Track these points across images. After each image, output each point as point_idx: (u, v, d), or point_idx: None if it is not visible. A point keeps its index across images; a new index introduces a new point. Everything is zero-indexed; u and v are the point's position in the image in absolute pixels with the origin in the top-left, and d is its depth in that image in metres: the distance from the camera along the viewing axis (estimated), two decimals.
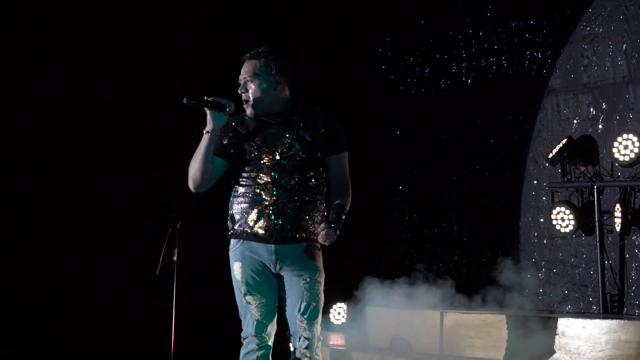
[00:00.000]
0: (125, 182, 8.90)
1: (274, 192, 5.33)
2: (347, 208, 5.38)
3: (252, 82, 5.47)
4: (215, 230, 5.62)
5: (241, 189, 5.43)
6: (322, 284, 5.38)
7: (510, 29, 8.81)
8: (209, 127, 5.40)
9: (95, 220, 8.78)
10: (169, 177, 8.56)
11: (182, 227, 7.43)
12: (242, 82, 5.50)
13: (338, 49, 9.80)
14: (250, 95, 5.46)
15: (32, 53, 8.58)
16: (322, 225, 5.24)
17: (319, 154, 5.41)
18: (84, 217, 8.76)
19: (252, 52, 5.55)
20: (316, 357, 5.37)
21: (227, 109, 5.38)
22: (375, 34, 9.78)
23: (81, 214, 8.75)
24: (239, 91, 5.49)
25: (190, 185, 5.50)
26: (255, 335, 5.36)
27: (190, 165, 5.45)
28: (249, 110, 5.48)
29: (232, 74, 5.63)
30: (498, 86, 8.86)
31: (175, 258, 7.29)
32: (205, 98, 5.36)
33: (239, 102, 5.44)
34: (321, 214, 5.41)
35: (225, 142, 5.49)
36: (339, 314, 8.90)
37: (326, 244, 5.21)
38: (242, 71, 5.52)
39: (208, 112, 5.38)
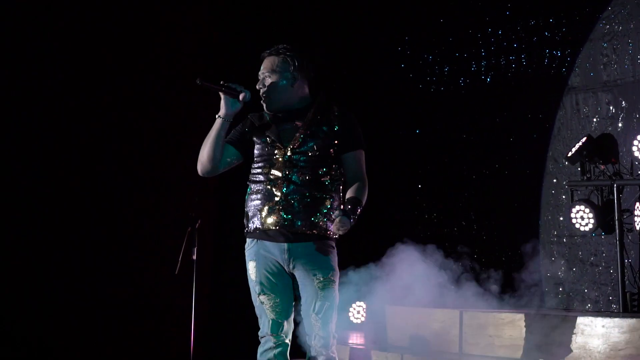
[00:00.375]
0: (145, 181, 8.92)
1: (285, 188, 5.32)
2: (363, 202, 5.34)
3: (270, 77, 5.48)
4: (235, 229, 5.63)
5: (254, 186, 5.43)
6: (337, 282, 5.36)
7: (530, 27, 8.80)
8: (221, 111, 5.40)
9: (114, 219, 8.82)
10: (189, 176, 8.57)
11: (202, 226, 7.44)
12: (260, 77, 5.52)
13: (357, 48, 9.81)
14: (268, 91, 5.48)
15: (33, 53, 8.58)
16: (336, 212, 5.22)
17: (332, 151, 5.39)
18: (103, 216, 8.79)
19: (272, 48, 5.57)
20: (332, 355, 5.37)
21: (242, 96, 5.38)
22: (395, 32, 9.78)
23: (100, 213, 8.78)
24: (257, 86, 5.50)
25: (198, 169, 5.51)
26: (271, 335, 5.37)
27: (201, 149, 5.47)
28: (265, 106, 5.49)
29: (238, 73, 5.62)
30: (517, 85, 8.85)
31: (194, 257, 7.32)
32: (221, 82, 5.38)
33: (258, 98, 5.46)
34: (334, 211, 5.38)
35: (242, 133, 5.52)
36: (358, 312, 8.90)
37: (339, 232, 5.15)
38: (261, 67, 5.53)
39: (222, 96, 5.40)
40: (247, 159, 5.53)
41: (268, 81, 5.47)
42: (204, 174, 5.53)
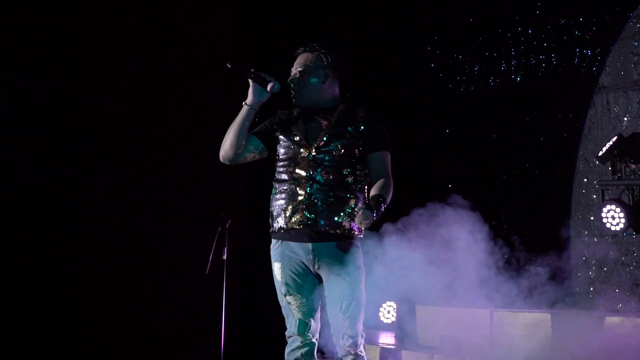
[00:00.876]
0: (175, 181, 8.96)
1: (309, 188, 5.32)
2: (387, 200, 5.30)
3: (302, 73, 5.49)
4: (265, 229, 5.64)
5: (279, 185, 5.43)
6: (363, 281, 5.35)
7: (560, 26, 8.76)
8: (248, 99, 5.41)
9: (145, 220, 8.87)
10: (220, 177, 8.61)
11: (232, 226, 7.47)
12: (293, 72, 5.54)
13: (388, 48, 9.81)
14: (299, 86, 5.48)
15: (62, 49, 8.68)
16: (360, 205, 5.22)
17: (357, 152, 5.38)
18: (134, 217, 8.85)
19: (307, 46, 5.61)
20: (360, 354, 5.38)
21: (270, 86, 5.40)
22: (425, 32, 9.77)
23: (131, 214, 8.84)
24: (288, 81, 5.52)
25: (220, 154, 5.51)
26: (298, 334, 5.39)
27: (225, 135, 5.47)
28: (295, 100, 5.51)
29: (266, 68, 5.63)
30: (547, 84, 8.82)
31: (225, 257, 7.35)
32: (252, 70, 5.40)
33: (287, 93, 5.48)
34: (355, 210, 5.35)
35: (269, 127, 5.53)
36: (388, 312, 8.91)
37: (362, 226, 5.10)
38: (295, 63, 5.55)
39: (251, 84, 5.42)
40: (271, 154, 5.54)
41: (300, 76, 5.49)
42: (225, 160, 5.54)
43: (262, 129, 5.52)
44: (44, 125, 8.64)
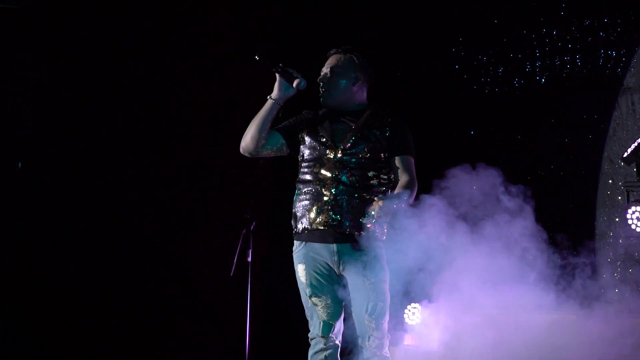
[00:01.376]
0: (199, 182, 8.99)
1: (334, 189, 5.38)
2: (409, 198, 5.31)
3: (332, 73, 5.55)
4: (290, 231, 5.68)
5: (303, 186, 5.49)
6: (387, 282, 5.39)
7: (585, 27, 8.74)
8: (273, 93, 5.47)
9: (168, 221, 8.90)
10: (244, 178, 8.62)
11: (257, 228, 7.48)
12: (323, 71, 5.56)
13: (411, 49, 9.80)
14: (328, 86, 5.53)
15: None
16: (380, 196, 5.23)
17: (382, 156, 5.43)
18: (157, 217, 8.88)
19: (339, 48, 5.68)
20: (386, 355, 5.40)
21: (296, 82, 5.42)
22: (449, 33, 9.75)
23: (154, 214, 8.88)
24: (317, 80, 5.55)
25: (241, 146, 5.59)
26: (322, 336, 5.41)
27: (247, 127, 5.53)
28: (323, 99, 5.53)
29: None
30: (572, 85, 8.79)
31: (249, 259, 7.36)
32: (280, 64, 5.42)
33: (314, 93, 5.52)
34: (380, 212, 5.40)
35: (294, 126, 5.55)
36: (413, 314, 8.89)
37: (379, 215, 5.10)
38: (326, 63, 5.61)
39: (277, 78, 5.44)
40: (291, 154, 5.56)
41: (330, 76, 5.54)
42: (244, 152, 5.59)
43: (286, 125, 5.57)
44: (71, 126, 8.70)
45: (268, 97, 5.49)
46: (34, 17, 8.43)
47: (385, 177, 5.48)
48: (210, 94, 9.09)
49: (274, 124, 5.56)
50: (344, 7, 9.58)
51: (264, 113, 5.49)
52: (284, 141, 5.58)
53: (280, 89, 5.46)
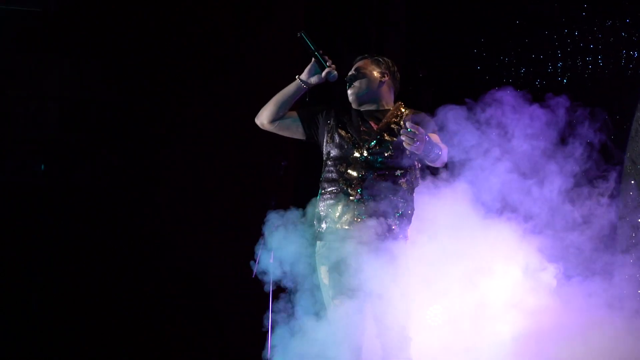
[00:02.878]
0: (222, 183, 9.01)
1: (360, 188, 5.41)
2: (443, 150, 5.32)
3: (360, 73, 5.63)
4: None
5: (328, 186, 5.51)
6: (410, 283, 5.40)
7: (606, 28, 8.70)
8: (303, 75, 5.56)
9: (191, 220, 8.91)
10: (267, 180, 8.62)
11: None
12: (352, 72, 5.64)
13: (434, 50, 9.80)
14: (357, 85, 5.60)
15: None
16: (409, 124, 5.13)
17: (408, 152, 5.41)
18: (179, 217, 8.90)
19: (367, 54, 5.80)
20: (408, 357, 5.40)
21: (326, 71, 5.46)
22: (471, 34, 9.75)
23: (176, 214, 8.90)
24: (345, 79, 5.63)
25: (256, 117, 5.68)
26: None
27: (269, 101, 5.62)
28: (352, 98, 5.61)
29: None
30: (594, 86, 8.76)
31: (271, 260, 7.36)
32: (320, 50, 5.46)
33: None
34: (408, 215, 5.45)
35: (318, 117, 5.59)
36: (435, 315, 8.86)
37: (409, 143, 5.04)
38: (355, 65, 5.70)
39: (312, 62, 5.47)
40: (309, 140, 5.61)
41: (359, 76, 5.63)
42: (258, 123, 5.65)
43: (310, 113, 5.63)
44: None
45: (297, 76, 5.54)
46: (59, 20, 8.49)
47: (412, 175, 5.50)
48: (239, 93, 9.09)
49: (297, 105, 5.63)
50: (367, 10, 9.60)
51: (287, 91, 5.56)
52: (301, 127, 5.63)
53: (309, 73, 5.53)
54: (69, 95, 8.58)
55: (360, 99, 5.63)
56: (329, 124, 5.59)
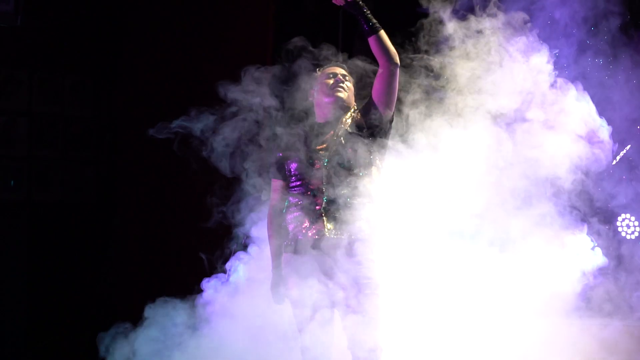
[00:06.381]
0: (197, 199, 8.95)
1: (325, 197, 5.33)
2: (384, 33, 5.33)
3: (348, 81, 5.57)
4: None
5: (293, 199, 5.45)
6: (381, 286, 5.35)
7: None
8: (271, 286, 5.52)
9: (169, 236, 8.79)
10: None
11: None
12: (339, 76, 5.53)
13: None
14: (347, 93, 5.53)
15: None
16: None
17: (368, 150, 5.37)
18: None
19: (336, 60, 5.74)
20: None
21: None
22: None
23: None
24: (331, 82, 5.51)
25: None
26: None
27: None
28: (338, 103, 5.50)
29: None
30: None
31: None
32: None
33: None
34: (373, 215, 5.37)
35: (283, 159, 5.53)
36: None
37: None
38: (335, 69, 5.58)
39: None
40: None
41: (347, 85, 5.53)
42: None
43: (278, 170, 5.55)
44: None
45: (272, 269, 5.53)
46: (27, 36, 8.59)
47: (377, 170, 5.41)
48: None
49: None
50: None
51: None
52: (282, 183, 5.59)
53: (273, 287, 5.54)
54: (38, 111, 8.64)
55: (341, 110, 5.52)
56: (286, 150, 5.52)
